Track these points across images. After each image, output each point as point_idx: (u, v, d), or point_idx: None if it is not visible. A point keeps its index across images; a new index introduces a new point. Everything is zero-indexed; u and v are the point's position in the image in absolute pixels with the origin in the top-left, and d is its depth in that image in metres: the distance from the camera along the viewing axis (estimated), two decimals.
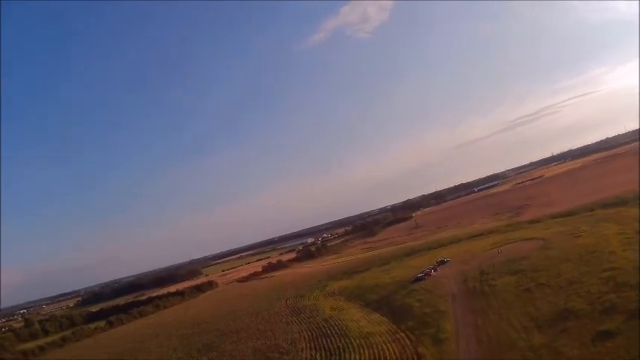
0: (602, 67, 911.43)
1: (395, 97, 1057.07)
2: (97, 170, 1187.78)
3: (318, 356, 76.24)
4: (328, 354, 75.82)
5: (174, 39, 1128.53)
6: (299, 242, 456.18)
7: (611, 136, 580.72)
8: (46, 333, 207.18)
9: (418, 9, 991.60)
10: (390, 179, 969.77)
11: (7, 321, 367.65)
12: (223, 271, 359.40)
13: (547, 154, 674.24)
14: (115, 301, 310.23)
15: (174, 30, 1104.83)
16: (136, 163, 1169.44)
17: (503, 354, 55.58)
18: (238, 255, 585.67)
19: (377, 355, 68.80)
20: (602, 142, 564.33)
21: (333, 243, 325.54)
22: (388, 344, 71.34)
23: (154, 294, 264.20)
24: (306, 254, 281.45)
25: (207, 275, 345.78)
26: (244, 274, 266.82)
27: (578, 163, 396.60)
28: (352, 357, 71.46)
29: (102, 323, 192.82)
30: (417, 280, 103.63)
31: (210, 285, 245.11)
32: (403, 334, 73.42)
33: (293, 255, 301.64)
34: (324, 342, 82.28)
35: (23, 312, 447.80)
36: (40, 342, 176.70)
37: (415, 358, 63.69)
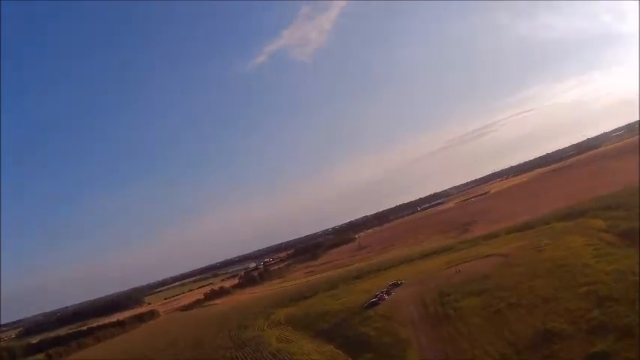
0: (540, 85, 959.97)
1: (335, 119, 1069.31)
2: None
3: None
4: None
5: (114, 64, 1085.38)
6: (241, 267, 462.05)
7: (551, 151, 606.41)
8: None
9: (358, 31, 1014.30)
10: (331, 201, 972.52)
11: None
12: (165, 299, 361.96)
13: (489, 171, 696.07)
14: (57, 331, 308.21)
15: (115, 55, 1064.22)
16: (85, 192, 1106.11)
17: None
18: (181, 282, 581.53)
19: None
20: (542, 157, 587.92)
21: (275, 267, 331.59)
22: None
23: (96, 324, 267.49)
24: (249, 280, 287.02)
25: (149, 304, 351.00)
26: (186, 302, 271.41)
27: (523, 178, 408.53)
28: None
29: (41, 356, 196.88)
30: (371, 305, 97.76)
31: (152, 314, 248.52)
32: None
33: (235, 281, 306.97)
34: None
35: None
36: None
37: None
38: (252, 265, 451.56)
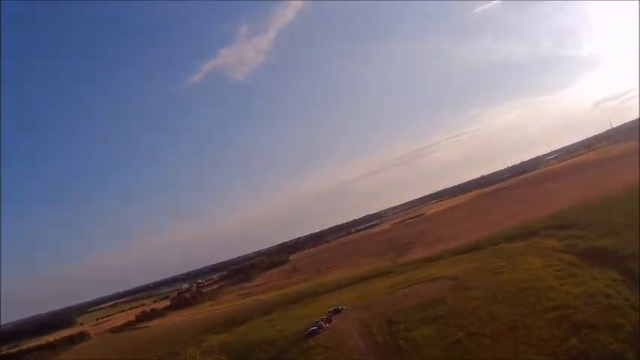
0: (479, 108, 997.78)
1: (269, 140, 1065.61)
2: None
3: None
4: None
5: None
6: (174, 288, 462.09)
7: (487, 173, 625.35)
8: None
9: (297, 52, 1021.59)
10: (265, 222, 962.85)
11: None
12: (97, 319, 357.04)
13: (424, 193, 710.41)
14: None
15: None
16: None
17: None
18: (115, 302, 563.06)
19: None
20: (479, 179, 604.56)
21: (208, 289, 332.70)
22: None
23: (26, 346, 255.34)
24: (181, 301, 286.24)
25: (81, 324, 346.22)
26: (118, 323, 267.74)
27: (459, 199, 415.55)
28: None
29: None
30: (311, 333, 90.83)
31: (82, 336, 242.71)
32: None
33: (167, 302, 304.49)
34: None
35: None
36: None
37: None
38: (185, 286, 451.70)
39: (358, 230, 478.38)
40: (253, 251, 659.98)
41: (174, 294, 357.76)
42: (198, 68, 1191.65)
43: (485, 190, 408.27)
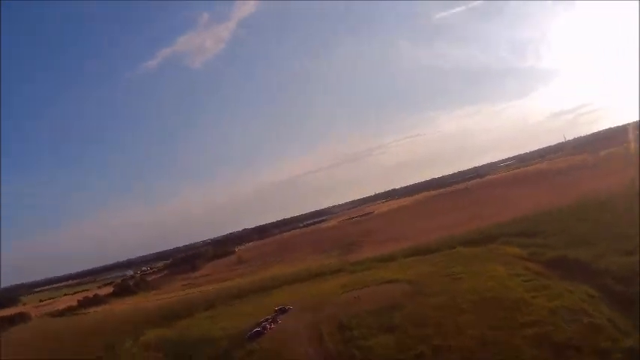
0: (432, 112, 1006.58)
1: (221, 128, 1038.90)
2: None
3: None
4: None
5: None
6: (119, 274, 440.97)
7: (437, 176, 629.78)
8: None
9: (256, 42, 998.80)
10: (211, 211, 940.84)
11: None
12: (41, 300, 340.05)
13: (372, 192, 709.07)
14: None
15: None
16: None
17: None
18: (63, 283, 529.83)
19: None
20: (428, 181, 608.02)
21: (153, 277, 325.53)
22: None
23: None
24: (124, 289, 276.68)
25: (24, 304, 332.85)
26: (60, 306, 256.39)
27: (408, 200, 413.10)
28: None
29: None
30: (255, 335, 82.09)
31: (22, 317, 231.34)
32: None
33: (110, 289, 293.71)
34: None
35: None
36: None
37: None
38: (130, 273, 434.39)
39: (306, 225, 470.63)
40: (199, 240, 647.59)
41: (119, 281, 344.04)
42: (154, 54, 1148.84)
43: (436, 192, 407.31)
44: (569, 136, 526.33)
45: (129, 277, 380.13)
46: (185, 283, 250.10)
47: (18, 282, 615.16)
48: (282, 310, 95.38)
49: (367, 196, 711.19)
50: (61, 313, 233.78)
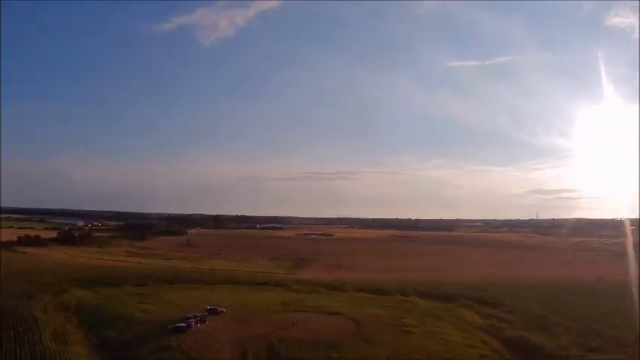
0: (415, 156, 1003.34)
1: (212, 109, 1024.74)
2: None
3: None
4: None
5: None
6: (69, 222, 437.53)
7: (401, 217, 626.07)
8: None
9: (268, 36, 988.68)
10: (178, 187, 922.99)
11: None
12: None
13: (335, 215, 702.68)
14: None
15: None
16: None
17: None
18: (9, 215, 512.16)
19: None
20: (393, 219, 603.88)
21: (100, 234, 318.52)
22: None
23: None
24: (68, 238, 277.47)
25: None
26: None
27: (369, 233, 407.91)
28: None
29: None
30: (176, 330, 73.69)
31: None
32: None
33: (54, 234, 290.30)
34: None
35: None
36: None
37: None
38: (80, 223, 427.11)
39: (263, 228, 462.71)
40: (156, 212, 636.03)
41: (65, 228, 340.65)
42: (169, 18, 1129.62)
43: (400, 233, 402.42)
44: (542, 216, 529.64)
45: (77, 227, 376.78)
46: (128, 250, 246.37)
47: None
48: (213, 311, 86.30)
49: (329, 217, 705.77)
50: None
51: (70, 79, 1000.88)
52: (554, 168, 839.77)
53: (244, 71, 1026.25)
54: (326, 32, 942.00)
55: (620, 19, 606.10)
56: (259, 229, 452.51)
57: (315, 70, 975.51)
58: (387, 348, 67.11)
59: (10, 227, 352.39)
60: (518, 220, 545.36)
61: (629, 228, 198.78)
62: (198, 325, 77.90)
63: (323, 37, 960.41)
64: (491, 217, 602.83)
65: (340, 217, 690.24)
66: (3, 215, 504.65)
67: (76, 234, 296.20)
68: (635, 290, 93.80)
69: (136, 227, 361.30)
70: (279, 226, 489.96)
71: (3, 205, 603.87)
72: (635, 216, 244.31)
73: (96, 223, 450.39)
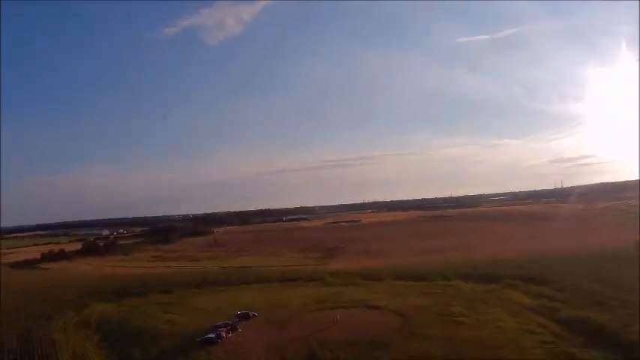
0: (431, 133, 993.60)
1: (223, 108, 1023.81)
2: None
3: None
4: None
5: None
6: (95, 232, 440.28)
7: (427, 197, 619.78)
8: None
9: (276, 31, 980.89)
10: (198, 188, 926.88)
11: None
12: (9, 248, 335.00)
13: (360, 200, 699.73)
14: None
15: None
16: None
17: None
18: (35, 232, 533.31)
19: None
20: (418, 200, 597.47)
21: (125, 242, 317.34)
22: None
23: None
24: (93, 248, 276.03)
25: None
26: (23, 257, 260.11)
27: (396, 215, 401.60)
28: None
29: None
30: (206, 342, 69.22)
31: None
32: None
33: (79, 245, 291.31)
34: None
35: None
36: None
37: None
38: (106, 232, 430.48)
39: (289, 220, 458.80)
40: (181, 214, 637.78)
41: (90, 239, 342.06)
42: (174, 22, 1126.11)
43: (427, 213, 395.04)
44: (566, 184, 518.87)
45: (103, 236, 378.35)
46: (154, 255, 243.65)
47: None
48: (245, 316, 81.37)
49: (354, 203, 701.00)
50: (20, 265, 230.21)
51: (79, 89, 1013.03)
52: (570, 136, 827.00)
53: (253, 66, 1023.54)
54: (333, 19, 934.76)
55: None
56: (285, 221, 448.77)
57: (324, 58, 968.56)
58: (440, 343, 61.43)
59: (35, 244, 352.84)
60: (543, 191, 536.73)
61: None
62: (230, 334, 73.05)
63: (331, 23, 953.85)
64: (516, 190, 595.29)
65: (365, 202, 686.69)
66: (29, 233, 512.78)
67: (101, 244, 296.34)
68: None
69: (161, 231, 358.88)
70: (305, 216, 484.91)
71: (27, 223, 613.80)
72: None
73: (121, 230, 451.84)
